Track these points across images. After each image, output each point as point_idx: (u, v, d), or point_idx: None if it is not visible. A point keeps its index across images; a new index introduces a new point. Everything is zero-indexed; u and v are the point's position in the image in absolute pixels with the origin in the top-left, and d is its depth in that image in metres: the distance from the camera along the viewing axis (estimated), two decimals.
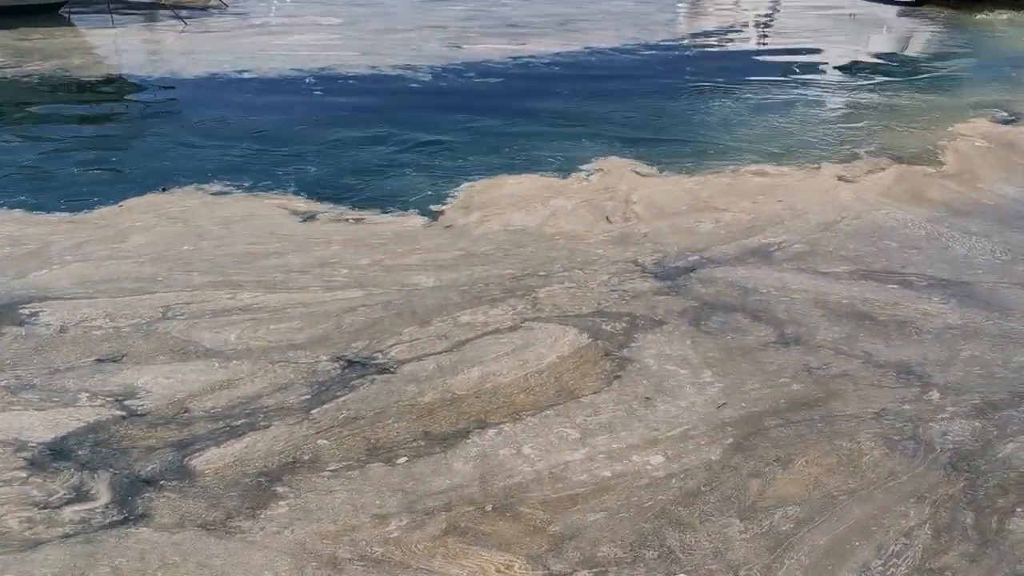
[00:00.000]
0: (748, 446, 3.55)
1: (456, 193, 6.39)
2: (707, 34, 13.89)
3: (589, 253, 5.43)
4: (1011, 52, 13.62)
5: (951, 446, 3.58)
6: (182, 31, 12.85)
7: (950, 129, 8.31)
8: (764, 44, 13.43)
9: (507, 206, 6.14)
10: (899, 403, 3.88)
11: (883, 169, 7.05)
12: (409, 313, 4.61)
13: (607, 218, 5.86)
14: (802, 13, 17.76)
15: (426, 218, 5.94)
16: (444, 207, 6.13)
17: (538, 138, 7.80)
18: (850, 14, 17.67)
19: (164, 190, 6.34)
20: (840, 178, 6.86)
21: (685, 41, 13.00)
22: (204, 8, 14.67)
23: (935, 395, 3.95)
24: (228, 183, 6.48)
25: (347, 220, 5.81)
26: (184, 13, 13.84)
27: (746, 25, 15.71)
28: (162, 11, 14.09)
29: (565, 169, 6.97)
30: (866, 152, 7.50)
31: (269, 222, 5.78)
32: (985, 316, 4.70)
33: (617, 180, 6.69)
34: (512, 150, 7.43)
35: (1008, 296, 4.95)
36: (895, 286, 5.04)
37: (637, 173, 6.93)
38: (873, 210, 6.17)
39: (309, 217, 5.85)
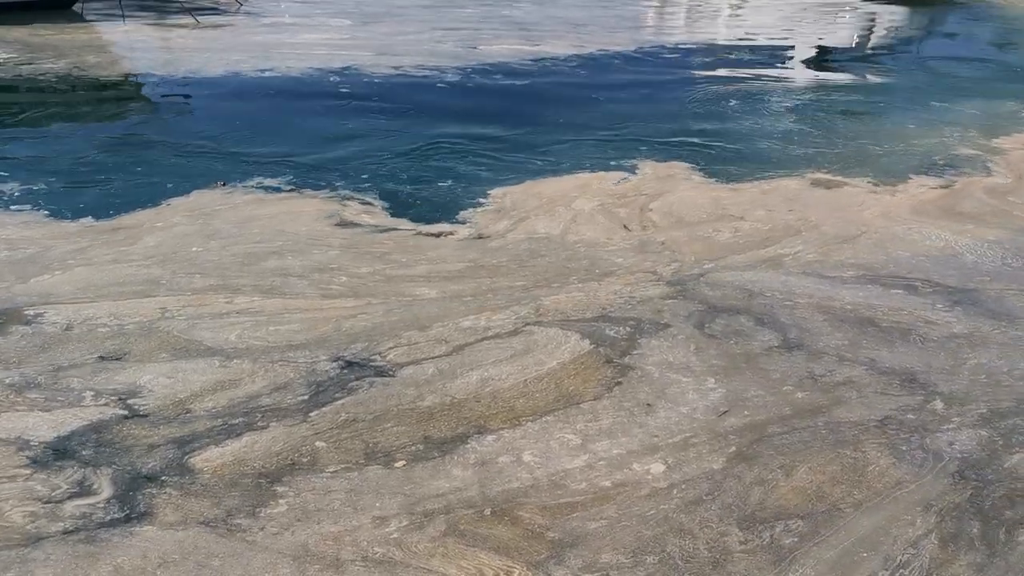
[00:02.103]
0: (751, 454, 3.53)
1: (489, 199, 6.32)
2: (709, 35, 13.84)
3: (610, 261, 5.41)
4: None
5: (958, 455, 3.56)
6: (193, 28, 12.86)
7: (997, 141, 8.13)
8: (767, 42, 13.41)
9: (535, 210, 6.09)
10: (903, 411, 3.86)
11: (924, 185, 6.91)
12: (412, 318, 4.61)
13: (624, 226, 5.81)
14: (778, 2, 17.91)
15: (460, 225, 5.88)
16: (478, 212, 6.07)
17: (571, 143, 7.69)
18: None
19: (224, 184, 6.36)
20: (872, 191, 6.76)
21: (692, 44, 12.94)
22: (215, 6, 14.69)
23: (939, 404, 3.92)
24: (265, 186, 6.45)
25: (410, 232, 5.71)
26: (195, 10, 13.87)
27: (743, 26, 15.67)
28: (172, 6, 14.11)
29: (601, 172, 6.93)
30: (901, 164, 7.34)
31: (325, 227, 5.77)
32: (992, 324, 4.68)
33: (656, 185, 6.62)
34: (546, 155, 7.34)
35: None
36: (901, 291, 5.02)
37: (673, 177, 6.87)
38: (897, 224, 6.07)
39: (346, 223, 5.79)
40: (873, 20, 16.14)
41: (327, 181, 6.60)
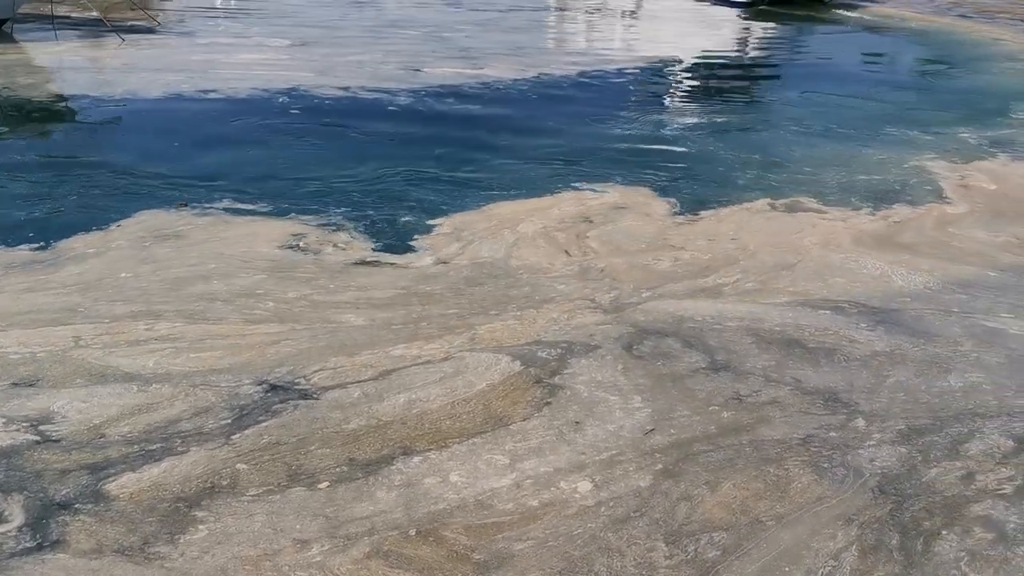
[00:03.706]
0: (677, 471, 3.56)
1: (439, 226, 6.23)
2: (635, 55, 14.05)
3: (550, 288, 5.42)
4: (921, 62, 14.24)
5: (878, 471, 3.63)
6: (118, 47, 12.62)
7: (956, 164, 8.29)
8: (691, 58, 13.98)
9: (483, 235, 6.09)
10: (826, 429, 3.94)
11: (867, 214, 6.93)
12: (340, 345, 4.57)
13: (566, 251, 5.81)
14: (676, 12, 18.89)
15: (408, 254, 5.76)
16: (429, 238, 6.00)
17: (520, 170, 7.57)
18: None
19: (185, 205, 6.22)
20: (816, 217, 6.77)
21: (613, 66, 13.09)
22: (150, 26, 14.46)
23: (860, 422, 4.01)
24: (214, 209, 6.29)
25: (357, 259, 5.59)
26: (118, 28, 13.58)
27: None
28: (106, 28, 13.85)
29: (553, 196, 6.96)
30: (849, 192, 7.35)
31: (267, 251, 5.66)
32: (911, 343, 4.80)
33: (607, 212, 6.61)
34: (493, 180, 7.23)
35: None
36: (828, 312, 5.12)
37: (627, 205, 6.84)
38: (836, 254, 6.05)
39: (295, 248, 5.65)
40: (748, 32, 17.10)
41: (276, 205, 6.42)
